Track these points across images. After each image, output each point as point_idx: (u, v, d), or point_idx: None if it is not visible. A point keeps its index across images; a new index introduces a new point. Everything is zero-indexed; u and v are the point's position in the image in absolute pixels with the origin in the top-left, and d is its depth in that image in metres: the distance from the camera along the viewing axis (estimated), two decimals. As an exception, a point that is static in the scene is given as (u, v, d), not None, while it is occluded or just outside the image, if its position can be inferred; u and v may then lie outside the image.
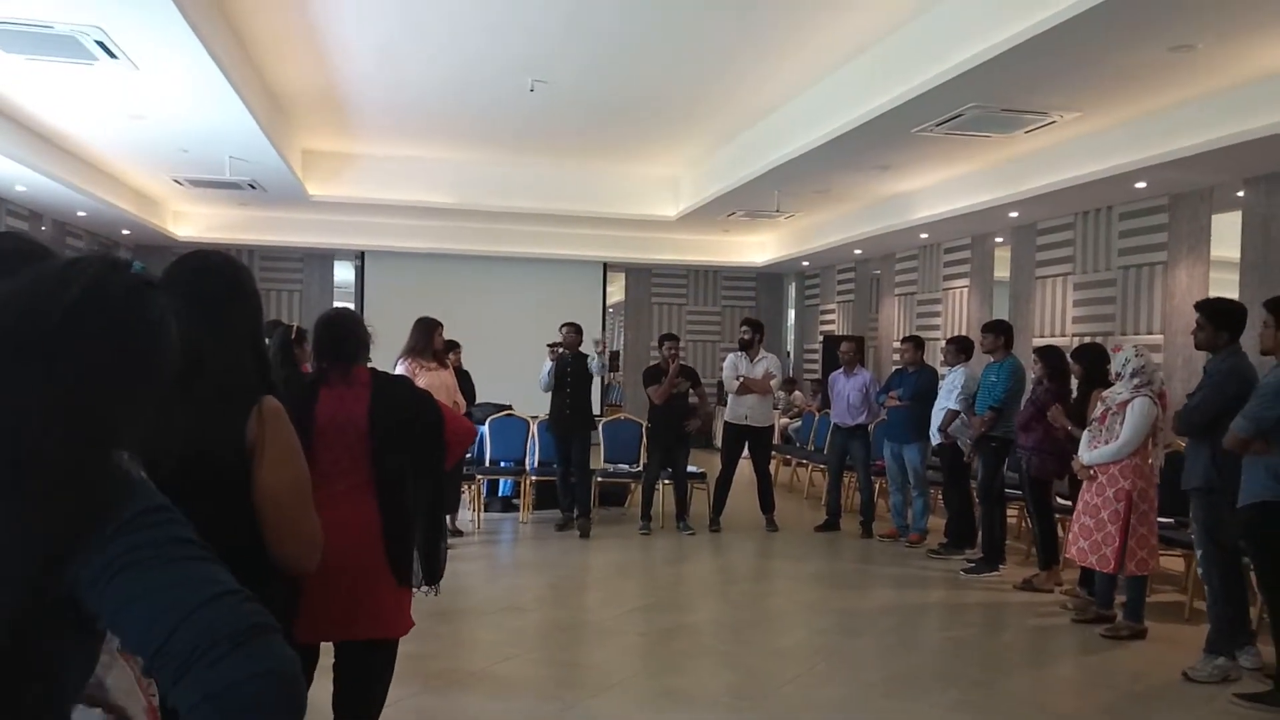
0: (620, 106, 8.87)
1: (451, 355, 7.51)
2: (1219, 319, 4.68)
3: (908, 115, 6.85)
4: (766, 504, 8.39)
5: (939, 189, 9.71)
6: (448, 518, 6.72)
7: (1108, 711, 4.32)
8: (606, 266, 14.96)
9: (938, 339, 10.63)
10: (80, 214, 10.98)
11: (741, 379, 8.31)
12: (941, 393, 7.47)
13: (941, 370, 8.26)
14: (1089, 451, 5.38)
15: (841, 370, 8.53)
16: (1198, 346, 4.88)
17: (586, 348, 8.11)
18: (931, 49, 6.14)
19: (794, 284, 16.11)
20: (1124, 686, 4.63)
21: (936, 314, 11.59)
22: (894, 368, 8.98)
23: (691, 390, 8.29)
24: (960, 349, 7.44)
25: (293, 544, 1.96)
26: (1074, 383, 6.27)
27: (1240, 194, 7.36)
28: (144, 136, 8.55)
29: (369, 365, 2.93)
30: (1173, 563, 6.29)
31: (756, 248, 14.74)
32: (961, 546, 7.33)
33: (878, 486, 8.68)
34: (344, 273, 14.78)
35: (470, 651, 4.92)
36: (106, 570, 0.96)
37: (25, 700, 0.99)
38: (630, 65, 7.64)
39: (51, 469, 0.98)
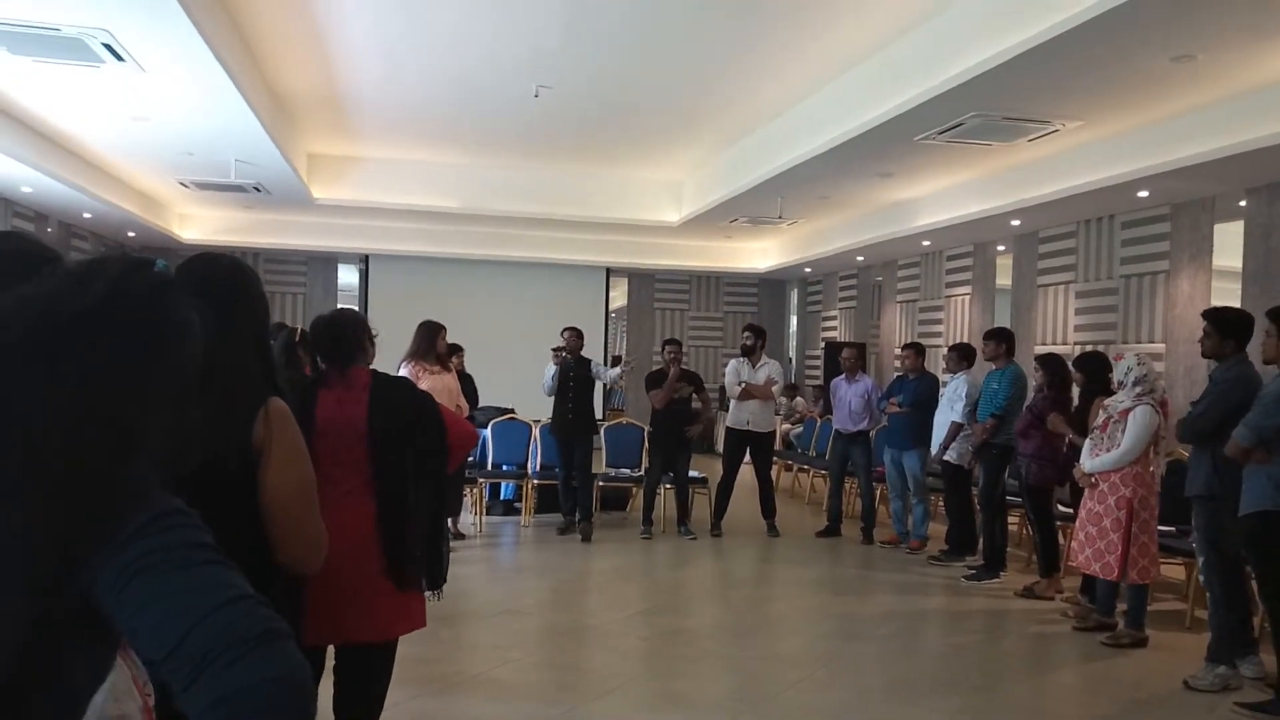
0: (623, 112, 8.89)
1: (454, 359, 7.53)
2: (1226, 327, 4.69)
3: (910, 123, 6.87)
4: (768, 509, 8.40)
5: (941, 196, 9.71)
6: (450, 521, 6.74)
7: (1109, 719, 4.33)
8: (609, 271, 14.97)
9: (940, 346, 10.64)
10: (86, 216, 11.02)
11: (743, 384, 8.32)
12: (943, 400, 7.48)
13: (943, 377, 8.27)
14: (1090, 459, 5.39)
15: (843, 376, 8.55)
16: (1204, 355, 4.89)
17: (607, 363, 8.08)
18: (934, 57, 6.16)
19: (796, 290, 16.12)
20: (1125, 694, 4.63)
21: (938, 321, 11.58)
22: (895, 374, 8.99)
23: (694, 395, 8.31)
24: (962, 356, 7.44)
25: (298, 546, 1.97)
26: (1075, 391, 6.27)
27: (1242, 203, 7.37)
28: (150, 139, 8.58)
29: (369, 367, 2.91)
30: (1174, 571, 6.29)
31: (759, 254, 14.75)
32: (962, 553, 7.33)
33: (879, 492, 8.69)
34: (348, 276, 14.81)
35: (471, 655, 4.93)
36: (124, 573, 0.96)
37: (41, 705, 0.98)
38: (634, 72, 7.66)
39: (74, 470, 0.97)
